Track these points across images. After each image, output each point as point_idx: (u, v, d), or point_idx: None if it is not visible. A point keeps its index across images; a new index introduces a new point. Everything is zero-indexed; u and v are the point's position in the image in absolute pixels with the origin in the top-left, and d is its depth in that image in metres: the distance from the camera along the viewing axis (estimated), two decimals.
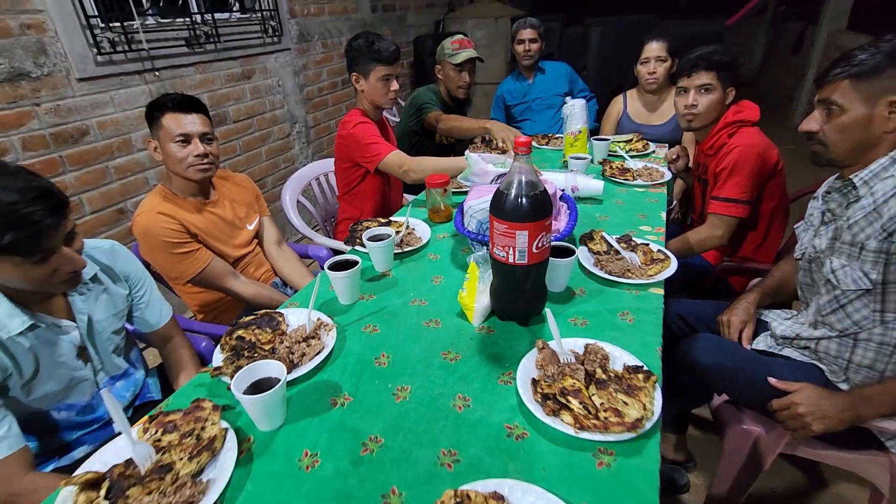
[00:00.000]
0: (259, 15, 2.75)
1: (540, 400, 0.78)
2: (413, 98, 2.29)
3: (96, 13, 1.93)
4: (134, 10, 2.03)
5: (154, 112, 1.34)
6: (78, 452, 1.05)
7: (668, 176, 1.71)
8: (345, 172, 1.86)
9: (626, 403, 0.75)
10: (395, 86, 1.76)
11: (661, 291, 1.08)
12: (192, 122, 1.35)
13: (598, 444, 0.71)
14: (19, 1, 1.73)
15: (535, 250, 0.88)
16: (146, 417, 0.78)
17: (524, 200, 0.85)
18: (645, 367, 0.81)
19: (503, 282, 0.95)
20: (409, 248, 1.30)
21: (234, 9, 2.65)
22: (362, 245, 1.26)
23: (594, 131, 2.39)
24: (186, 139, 1.34)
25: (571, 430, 0.72)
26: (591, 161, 1.85)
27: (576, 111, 1.81)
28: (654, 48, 2.08)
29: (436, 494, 0.63)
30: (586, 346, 0.87)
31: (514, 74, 2.72)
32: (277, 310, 1.06)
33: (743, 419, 1.19)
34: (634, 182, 1.69)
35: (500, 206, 0.87)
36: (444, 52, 2.20)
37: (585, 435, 0.71)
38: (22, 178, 0.81)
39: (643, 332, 0.95)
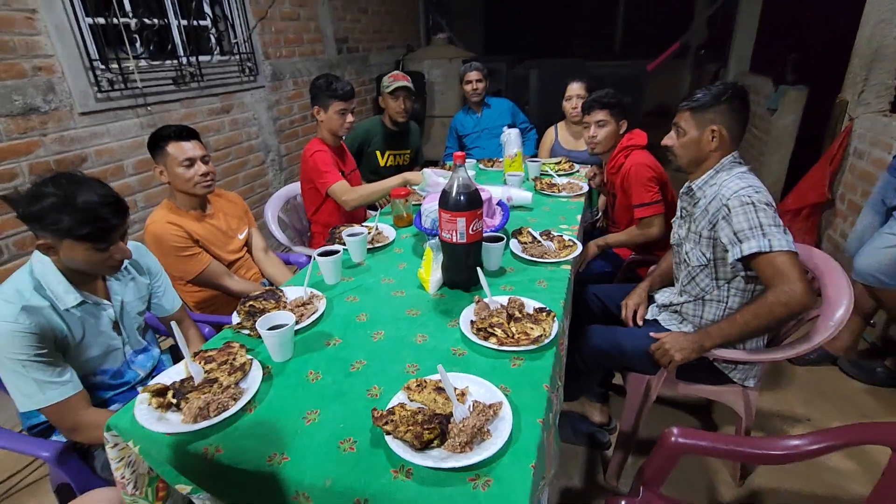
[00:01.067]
0: (237, 57, 3.09)
1: (475, 332, 1.11)
2: (355, 130, 2.64)
3: (98, 57, 2.22)
4: (129, 54, 2.33)
5: (159, 142, 1.62)
6: (112, 409, 1.29)
7: (585, 188, 2.13)
8: (309, 193, 2.20)
9: (532, 328, 1.09)
10: (350, 118, 2.12)
11: (569, 267, 1.45)
12: (192, 148, 1.65)
13: (513, 353, 1.05)
14: (33, 47, 2.00)
15: (471, 232, 1.24)
16: (191, 355, 1.06)
17: (462, 197, 1.21)
18: (547, 308, 1.16)
19: (450, 257, 1.30)
20: (379, 245, 1.63)
21: (216, 52, 2.98)
22: (342, 242, 1.58)
23: (535, 156, 2.84)
24: (191, 162, 1.64)
25: (496, 346, 1.06)
26: (526, 178, 2.25)
27: (511, 138, 2.23)
28: (574, 88, 2.55)
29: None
30: (509, 299, 1.22)
31: (465, 108, 3.15)
32: (278, 287, 1.36)
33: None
34: (559, 194, 2.10)
35: (445, 201, 1.22)
36: (384, 86, 2.56)
37: (505, 348, 1.05)
38: (101, 187, 1.10)
39: (553, 292, 1.32)
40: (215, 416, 0.89)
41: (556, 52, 6.57)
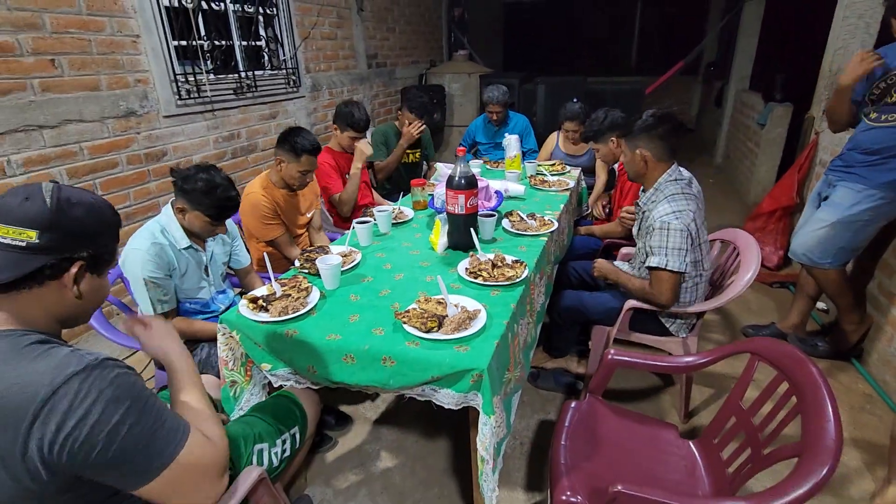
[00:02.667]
0: (284, 71, 3.63)
1: (467, 274, 1.56)
2: (374, 134, 3.12)
3: (180, 72, 2.76)
4: (203, 69, 2.87)
5: (297, 148, 2.00)
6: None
7: (571, 185, 2.57)
8: (324, 190, 2.68)
9: (508, 272, 1.54)
10: (359, 143, 2.57)
11: (546, 239, 1.89)
12: (314, 163, 2.10)
13: (493, 286, 1.50)
14: (136, 64, 2.55)
15: (468, 206, 1.69)
16: (269, 283, 1.53)
17: (462, 180, 1.66)
18: (521, 261, 1.61)
19: (453, 225, 1.75)
20: (401, 221, 2.11)
21: (267, 67, 3.52)
22: (372, 217, 2.06)
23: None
24: (308, 172, 2.10)
25: (481, 282, 1.51)
26: (523, 175, 2.71)
27: (512, 143, 2.69)
28: (569, 125, 3.06)
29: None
30: (495, 254, 1.66)
31: (485, 118, 3.57)
32: (327, 246, 1.83)
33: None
34: (549, 189, 2.55)
35: (450, 182, 1.68)
36: (410, 106, 2.97)
37: (488, 283, 1.50)
38: (232, 188, 1.61)
39: (530, 254, 1.76)
40: (292, 312, 1.36)
41: (562, 67, 7.04)
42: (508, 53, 8.34)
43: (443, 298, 1.37)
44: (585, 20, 8.33)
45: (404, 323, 1.28)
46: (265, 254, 1.56)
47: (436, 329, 1.26)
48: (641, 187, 1.87)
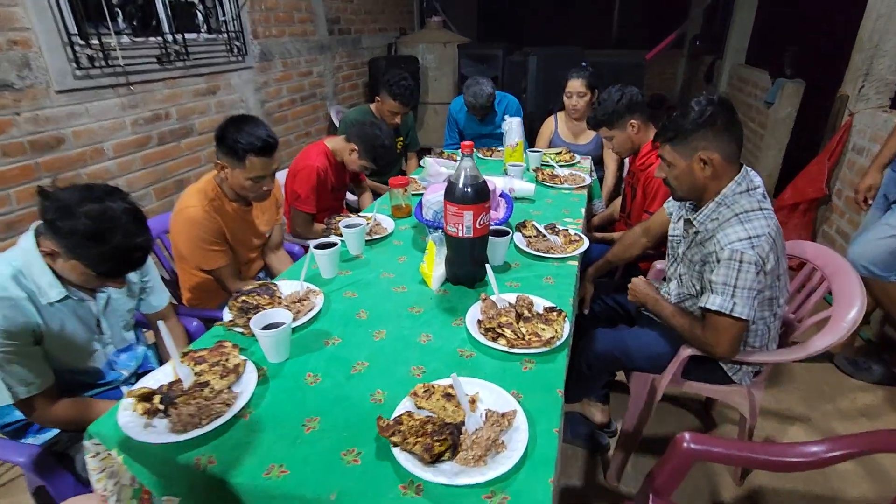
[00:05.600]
0: (225, 35, 2.95)
1: (483, 332, 1.06)
2: (343, 121, 2.54)
3: (77, 32, 2.09)
4: (111, 29, 2.19)
5: (239, 148, 1.42)
6: None
7: (588, 180, 2.08)
8: (292, 198, 2.11)
9: (543, 329, 1.04)
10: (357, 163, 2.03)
11: (576, 263, 1.40)
12: (269, 165, 1.49)
13: (524, 356, 1.00)
14: (9, 20, 1.86)
15: (478, 226, 1.17)
16: (179, 355, 0.99)
17: (469, 189, 1.14)
18: (557, 308, 1.11)
19: (455, 252, 1.24)
20: (377, 236, 1.56)
21: (202, 29, 2.84)
22: (339, 234, 1.51)
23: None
24: (261, 179, 1.50)
25: (505, 348, 1.01)
26: (527, 168, 2.19)
27: (513, 127, 2.16)
28: (575, 85, 2.47)
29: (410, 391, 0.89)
30: (517, 297, 1.16)
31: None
32: (272, 281, 1.29)
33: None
34: (562, 185, 2.04)
35: (452, 193, 1.16)
36: (390, 85, 2.41)
37: (515, 351, 1.00)
38: (137, 232, 1.03)
39: (561, 289, 1.26)
40: (207, 423, 0.83)
41: (552, 38, 6.48)
42: (485, 22, 7.69)
43: (452, 388, 0.86)
44: None
45: (395, 445, 0.77)
46: (160, 323, 0.99)
47: (447, 456, 0.76)
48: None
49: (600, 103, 1.93)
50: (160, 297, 1.38)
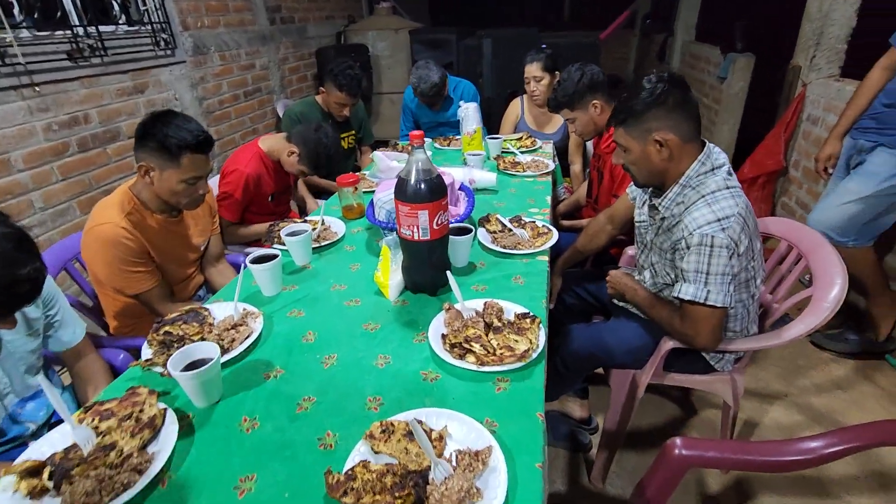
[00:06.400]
0: (149, 27, 2.67)
1: (448, 349, 0.92)
2: (287, 114, 2.35)
3: None
4: (6, 23, 1.91)
5: (173, 145, 1.23)
6: None
7: (552, 166, 1.97)
8: (224, 201, 1.91)
9: (516, 341, 0.92)
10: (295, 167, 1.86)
11: (546, 258, 1.29)
12: (207, 164, 1.32)
13: (497, 374, 0.87)
14: None
15: (435, 227, 1.04)
16: (80, 410, 0.81)
17: (422, 185, 1.00)
18: (531, 313, 0.99)
19: (412, 257, 1.09)
20: (326, 242, 1.40)
21: (120, 21, 2.56)
22: (281, 242, 1.34)
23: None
24: (197, 181, 1.31)
25: (474, 367, 0.88)
26: (487, 157, 2.06)
27: (469, 113, 2.02)
28: (531, 69, 2.34)
29: (365, 431, 0.75)
30: (485, 304, 1.04)
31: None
32: (202, 305, 1.11)
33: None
34: (525, 173, 1.93)
35: (402, 191, 1.01)
36: (334, 75, 2.24)
37: (486, 369, 0.87)
38: (15, 230, 0.85)
39: (532, 290, 1.14)
40: (110, 501, 0.66)
41: (505, 20, 6.35)
42: (435, 6, 7.48)
43: (410, 421, 0.73)
44: None
45: None
46: (42, 381, 0.79)
47: None
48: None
49: (560, 83, 1.82)
50: (72, 331, 1.18)
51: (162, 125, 1.23)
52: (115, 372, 1.24)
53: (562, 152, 2.51)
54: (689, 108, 1.14)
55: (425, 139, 2.28)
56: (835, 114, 2.50)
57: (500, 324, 0.97)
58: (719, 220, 1.09)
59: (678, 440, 0.98)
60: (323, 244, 1.39)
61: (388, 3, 5.00)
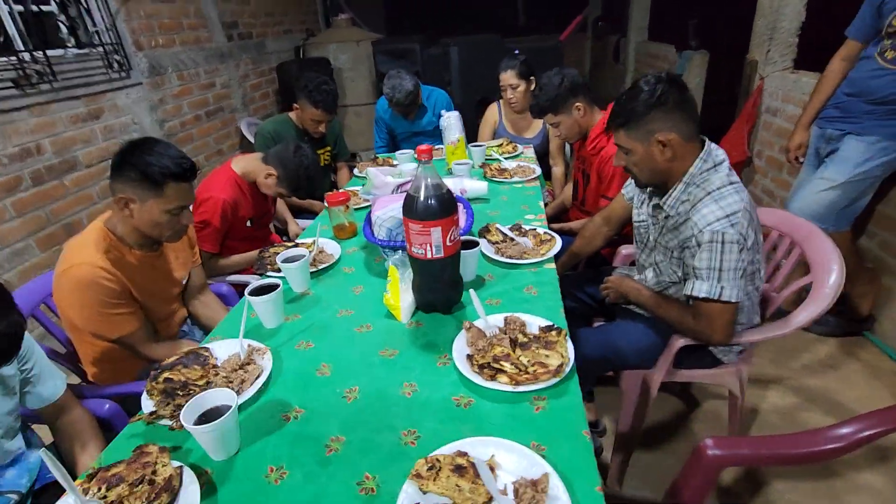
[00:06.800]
0: (100, 49, 2.52)
1: (478, 370, 0.88)
2: (259, 134, 2.27)
3: None
4: None
5: (155, 174, 1.14)
6: None
7: (538, 171, 1.96)
8: (203, 232, 1.79)
9: (547, 356, 0.89)
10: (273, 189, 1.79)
11: (554, 266, 1.27)
12: (190, 192, 1.24)
13: (532, 392, 0.84)
14: None
15: (448, 243, 1.00)
16: (81, 478, 0.73)
17: (433, 201, 0.96)
18: (555, 326, 0.96)
19: (424, 276, 1.05)
20: (324, 266, 1.34)
21: (70, 44, 2.40)
22: (276, 270, 1.27)
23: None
24: (181, 210, 1.22)
25: (509, 387, 0.84)
26: (472, 165, 2.04)
27: (452, 122, 1.99)
28: (506, 77, 2.35)
29: (407, 469, 0.70)
30: (506, 319, 1.00)
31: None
32: (201, 345, 1.03)
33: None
34: (512, 180, 1.91)
35: (413, 209, 0.97)
36: (309, 91, 2.17)
37: (521, 388, 0.84)
38: None
39: (546, 300, 1.12)
40: None
41: (464, 28, 6.38)
42: (393, 16, 7.46)
43: (462, 456, 0.68)
44: None
45: None
46: (43, 454, 0.69)
47: None
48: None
49: (541, 89, 1.81)
50: (52, 385, 1.07)
51: (142, 153, 1.14)
52: (101, 424, 1.14)
53: (540, 157, 2.52)
54: (689, 107, 1.15)
55: (405, 151, 2.27)
56: (793, 104, 2.62)
57: (525, 339, 0.94)
58: (728, 216, 1.10)
59: (710, 441, 0.97)
60: (320, 268, 1.33)
61: (347, 15, 4.95)
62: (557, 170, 2.47)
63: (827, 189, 1.87)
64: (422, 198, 0.96)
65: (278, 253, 1.32)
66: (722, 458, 0.96)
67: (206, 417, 0.77)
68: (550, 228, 1.86)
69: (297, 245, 1.43)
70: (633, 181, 1.49)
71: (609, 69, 6.95)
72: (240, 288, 1.74)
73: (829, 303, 1.23)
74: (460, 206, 1.37)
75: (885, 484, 1.47)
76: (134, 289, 1.25)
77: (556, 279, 1.21)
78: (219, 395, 0.79)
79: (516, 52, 2.37)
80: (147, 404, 0.87)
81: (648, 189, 1.33)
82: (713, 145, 1.22)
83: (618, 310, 1.54)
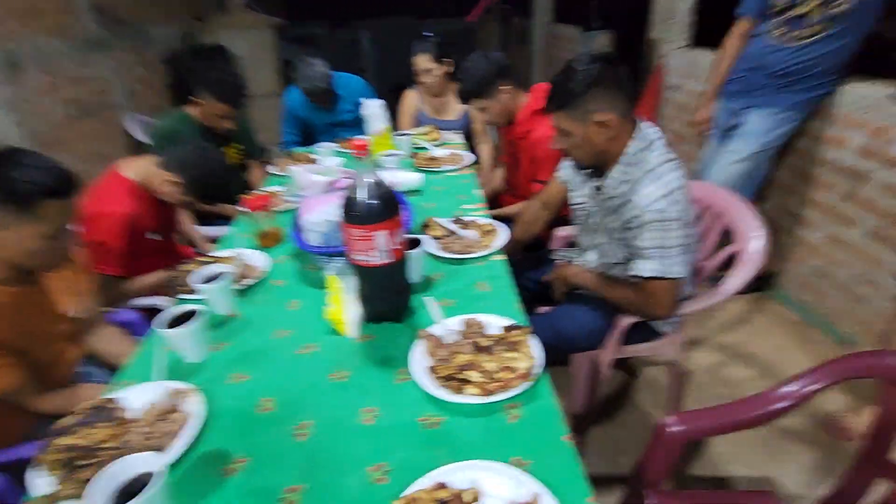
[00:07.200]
0: None
1: (443, 383, 0.81)
2: (156, 134, 2.00)
3: None
4: None
5: (24, 191, 0.92)
6: None
7: (470, 157, 1.91)
8: (98, 252, 1.50)
9: (514, 358, 0.84)
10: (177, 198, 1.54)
11: (503, 257, 1.22)
12: (69, 210, 1.01)
13: (504, 401, 0.78)
14: None
15: (395, 246, 0.90)
16: None
17: (375, 202, 0.86)
18: (516, 323, 0.91)
19: (371, 285, 0.95)
20: (249, 281, 1.18)
21: None
22: (190, 292, 1.10)
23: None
24: (61, 233, 0.99)
25: (480, 399, 0.78)
26: (402, 156, 1.94)
27: (375, 111, 1.87)
28: (419, 61, 2.26)
29: None
30: (465, 322, 0.94)
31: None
32: (103, 397, 0.85)
33: None
34: (444, 168, 1.84)
35: (353, 213, 0.86)
36: (209, 82, 1.91)
37: (492, 398, 0.78)
38: None
39: (501, 295, 1.07)
40: None
41: (373, 11, 6.12)
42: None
43: (448, 490, 0.61)
44: None
45: None
46: None
47: None
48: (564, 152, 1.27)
49: (467, 73, 1.75)
50: None
51: (7, 167, 0.91)
52: None
53: (465, 138, 2.47)
54: (624, 85, 1.14)
55: (326, 145, 2.10)
56: (693, 80, 2.79)
57: (488, 342, 0.88)
58: (667, 194, 1.11)
59: (669, 419, 0.98)
60: (246, 284, 1.17)
61: None
62: (484, 151, 2.43)
63: (737, 161, 2.01)
64: (363, 199, 0.85)
65: (193, 271, 1.15)
66: (683, 433, 0.98)
67: (127, 492, 0.62)
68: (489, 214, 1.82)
69: (215, 259, 1.25)
70: (566, 163, 1.49)
71: (517, 50, 7.08)
72: (151, 313, 1.52)
73: (757, 267, 1.31)
74: None
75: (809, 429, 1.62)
76: (10, 334, 1.02)
77: (506, 271, 1.16)
78: (139, 461, 0.65)
79: (426, 34, 2.28)
80: (41, 484, 0.70)
81: (585, 171, 1.32)
82: (644, 123, 1.23)
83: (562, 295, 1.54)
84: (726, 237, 1.46)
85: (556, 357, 1.47)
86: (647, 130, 1.21)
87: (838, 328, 1.97)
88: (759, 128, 1.94)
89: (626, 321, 1.32)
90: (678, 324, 1.47)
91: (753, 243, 1.33)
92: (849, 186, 1.86)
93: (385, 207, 0.86)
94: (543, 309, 1.70)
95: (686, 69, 2.88)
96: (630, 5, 3.63)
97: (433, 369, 0.84)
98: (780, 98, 1.89)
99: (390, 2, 7.25)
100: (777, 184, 2.24)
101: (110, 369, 1.31)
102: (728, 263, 1.41)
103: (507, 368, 0.82)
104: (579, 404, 1.52)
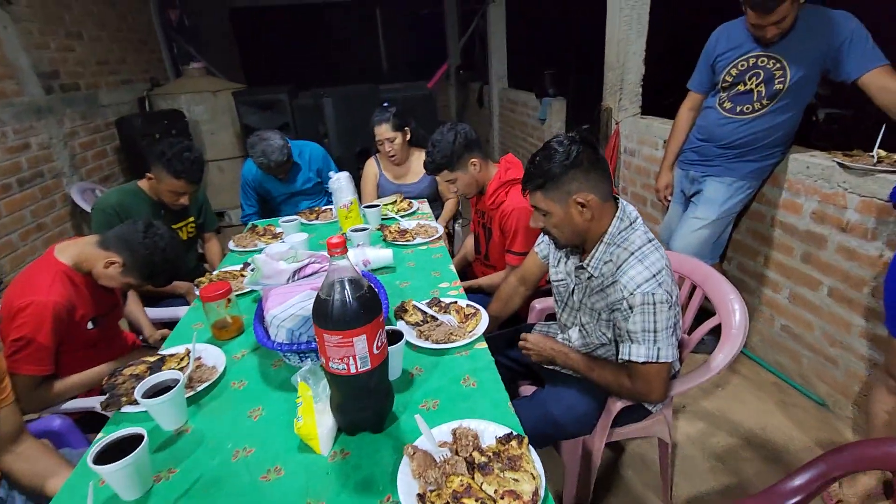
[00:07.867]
0: None
1: None
2: (97, 209, 1.84)
3: None
4: None
5: None
6: None
7: (440, 230, 1.86)
8: (23, 348, 1.28)
9: (516, 480, 0.74)
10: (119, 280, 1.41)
11: (486, 345, 1.14)
12: None
13: None
14: None
15: (375, 351, 0.81)
16: None
17: (354, 304, 0.77)
18: (513, 433, 0.82)
19: (348, 394, 0.84)
20: (204, 385, 1.04)
21: None
22: (132, 403, 0.94)
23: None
24: None
25: None
26: (370, 230, 1.87)
27: (342, 184, 1.81)
28: (381, 131, 2.27)
29: None
30: (454, 432, 0.83)
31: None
32: None
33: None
34: (415, 241, 1.78)
35: (327, 317, 0.77)
36: (168, 159, 1.78)
37: None
38: None
39: (489, 392, 0.98)
40: None
41: (327, 78, 6.25)
42: (249, 65, 7.08)
43: None
44: (334, 23, 7.71)
45: None
46: None
47: None
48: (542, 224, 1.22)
49: (435, 146, 1.73)
50: None
51: None
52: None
53: (430, 200, 2.45)
54: (603, 167, 1.13)
55: (290, 220, 1.98)
56: (648, 146, 2.92)
57: (484, 458, 0.77)
58: (654, 276, 1.08)
59: None
60: (199, 389, 1.03)
61: (199, 63, 4.52)
62: (450, 201, 2.42)
63: (700, 228, 2.06)
64: (337, 302, 0.76)
65: (136, 376, 1.00)
66: None
67: None
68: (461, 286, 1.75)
69: (162, 360, 1.10)
70: (544, 239, 1.46)
71: (475, 113, 7.36)
72: (81, 417, 1.32)
73: (742, 341, 1.28)
74: None
75: None
76: None
77: (492, 362, 1.08)
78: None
79: (385, 104, 2.30)
80: None
81: (564, 248, 1.29)
82: (625, 202, 1.22)
83: (544, 372, 1.46)
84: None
85: (545, 444, 1.37)
86: (630, 212, 1.20)
87: (815, 391, 1.98)
88: (717, 196, 2.01)
89: (618, 405, 1.25)
90: (667, 402, 1.42)
91: (734, 317, 1.32)
92: (807, 249, 1.93)
93: (364, 310, 0.77)
94: (527, 388, 1.61)
95: (640, 136, 3.02)
96: (582, 74, 3.86)
97: (423, 497, 0.72)
98: (734, 167, 1.98)
99: (340, 67, 7.49)
100: (741, 245, 2.31)
101: (28, 494, 1.10)
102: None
103: (509, 493, 0.72)
104: (572, 493, 1.41)
